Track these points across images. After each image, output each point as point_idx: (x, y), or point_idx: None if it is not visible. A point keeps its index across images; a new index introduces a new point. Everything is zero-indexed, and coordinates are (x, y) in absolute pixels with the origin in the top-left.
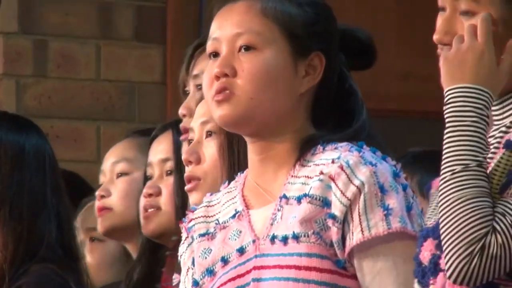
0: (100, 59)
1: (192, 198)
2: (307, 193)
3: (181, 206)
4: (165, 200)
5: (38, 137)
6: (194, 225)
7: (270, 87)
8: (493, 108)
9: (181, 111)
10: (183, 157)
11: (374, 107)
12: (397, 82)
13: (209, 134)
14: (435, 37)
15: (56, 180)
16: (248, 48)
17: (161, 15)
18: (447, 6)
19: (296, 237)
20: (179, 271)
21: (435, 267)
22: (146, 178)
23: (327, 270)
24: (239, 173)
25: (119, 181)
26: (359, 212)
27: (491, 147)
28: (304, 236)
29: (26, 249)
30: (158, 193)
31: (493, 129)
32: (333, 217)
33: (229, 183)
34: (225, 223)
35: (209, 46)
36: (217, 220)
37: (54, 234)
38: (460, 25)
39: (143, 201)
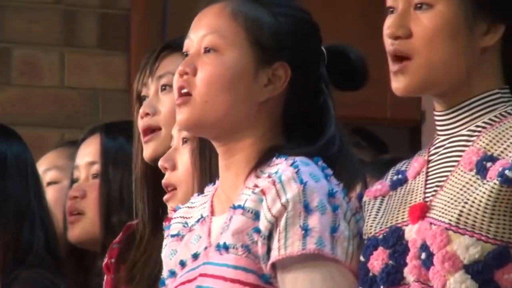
0: (64, 66)
1: (170, 207)
2: (242, 204)
3: (106, 211)
4: (90, 204)
5: (19, 144)
6: (171, 224)
7: (226, 92)
8: (440, 116)
9: (144, 110)
10: (160, 163)
11: (338, 113)
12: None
13: (184, 140)
14: (388, 31)
15: (38, 187)
16: (210, 49)
17: (125, 23)
18: (400, 3)
19: (226, 248)
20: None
21: (387, 277)
22: (73, 181)
23: (250, 284)
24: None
25: (48, 189)
26: (279, 230)
27: (443, 156)
28: (233, 248)
29: (15, 256)
30: (83, 195)
31: (440, 139)
32: (258, 231)
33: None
34: (192, 226)
35: (184, 45)
36: (187, 222)
37: (42, 240)
38: (413, 19)
39: (68, 203)
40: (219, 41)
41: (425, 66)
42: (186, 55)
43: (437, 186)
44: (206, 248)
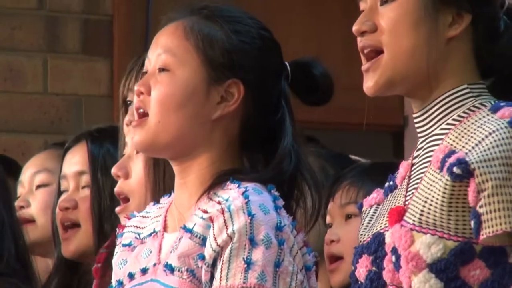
0: (47, 72)
1: (122, 218)
2: (191, 228)
3: (99, 221)
4: (83, 215)
5: None
6: (124, 233)
7: (177, 111)
8: (416, 118)
9: (130, 117)
10: (113, 171)
11: (320, 119)
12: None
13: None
14: (354, 27)
15: (6, 195)
16: (163, 69)
17: (108, 28)
18: (368, 2)
19: (172, 270)
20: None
21: (371, 284)
22: (60, 192)
23: None
24: (171, 191)
25: (38, 192)
26: (223, 260)
27: (421, 158)
28: (178, 271)
29: None
30: (75, 206)
31: (420, 141)
32: (202, 258)
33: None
34: (144, 238)
35: (145, 64)
36: (139, 234)
37: (12, 250)
38: (379, 14)
39: (59, 214)
40: (171, 61)
41: (391, 58)
42: (145, 73)
43: (414, 188)
44: (155, 264)
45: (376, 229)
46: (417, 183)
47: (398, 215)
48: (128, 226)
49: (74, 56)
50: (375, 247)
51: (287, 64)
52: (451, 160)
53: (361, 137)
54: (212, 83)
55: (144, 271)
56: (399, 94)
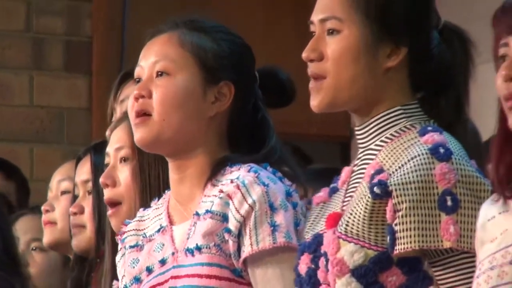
0: (33, 87)
1: (112, 222)
2: (209, 209)
3: (99, 223)
4: (87, 218)
5: None
6: (126, 237)
7: (179, 109)
8: (357, 131)
9: (109, 131)
10: (101, 180)
11: (277, 131)
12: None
13: (124, 159)
14: (303, 54)
15: None
16: (162, 73)
17: (87, 49)
18: (317, 27)
19: (199, 249)
20: (116, 277)
21: (309, 280)
22: (75, 197)
23: (225, 278)
24: (166, 191)
25: (62, 198)
26: (250, 228)
27: (358, 168)
28: (206, 247)
29: None
30: (82, 211)
31: (360, 151)
32: (229, 231)
33: (144, 206)
34: (151, 236)
35: (135, 73)
36: (145, 233)
37: (0, 244)
38: (326, 43)
39: (71, 218)
40: (170, 65)
41: (334, 85)
42: (138, 81)
43: (350, 196)
44: (173, 253)
45: (317, 230)
46: (353, 192)
47: (334, 220)
48: (128, 231)
49: (57, 73)
50: (315, 247)
51: (256, 72)
52: (376, 179)
53: (313, 147)
54: (207, 85)
55: (163, 262)
56: (345, 110)
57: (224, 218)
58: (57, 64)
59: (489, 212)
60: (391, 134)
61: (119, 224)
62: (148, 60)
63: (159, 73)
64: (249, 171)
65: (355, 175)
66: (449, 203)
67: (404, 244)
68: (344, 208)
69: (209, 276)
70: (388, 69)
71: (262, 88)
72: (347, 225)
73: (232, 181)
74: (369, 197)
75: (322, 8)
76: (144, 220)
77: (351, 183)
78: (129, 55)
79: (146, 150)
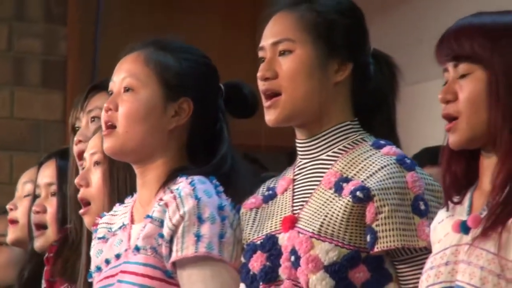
0: (14, 101)
1: (86, 220)
2: (150, 215)
3: (62, 220)
4: (50, 218)
5: None
6: (98, 229)
7: (141, 123)
8: (302, 144)
9: (77, 138)
10: (76, 181)
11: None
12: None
13: (97, 163)
14: (259, 74)
15: None
16: (128, 89)
17: (62, 67)
18: (268, 51)
19: (138, 249)
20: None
21: (265, 276)
22: (35, 196)
23: (157, 278)
24: (133, 193)
25: (25, 199)
26: (178, 236)
27: (307, 176)
28: (143, 249)
29: None
30: (44, 210)
31: (303, 162)
32: (162, 236)
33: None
34: (115, 231)
35: (109, 86)
36: (111, 228)
37: None
38: (279, 64)
39: (32, 216)
40: (135, 83)
41: (290, 101)
42: (111, 94)
43: (303, 201)
44: (126, 250)
45: (267, 231)
46: (305, 197)
47: (291, 222)
48: (101, 223)
49: (35, 89)
50: (269, 246)
51: (222, 86)
52: (351, 186)
53: (265, 156)
54: (168, 101)
55: (117, 256)
56: (293, 126)
57: (161, 223)
58: (35, 81)
59: (440, 216)
60: (344, 146)
61: (91, 222)
62: (119, 76)
63: (126, 88)
64: (189, 183)
65: (301, 182)
66: (422, 207)
67: (386, 242)
68: (296, 211)
69: (143, 275)
70: (337, 83)
71: (227, 100)
72: (321, 225)
73: (172, 191)
74: (348, 201)
75: (273, 33)
76: (115, 215)
77: (297, 189)
78: (100, 73)
79: (113, 158)
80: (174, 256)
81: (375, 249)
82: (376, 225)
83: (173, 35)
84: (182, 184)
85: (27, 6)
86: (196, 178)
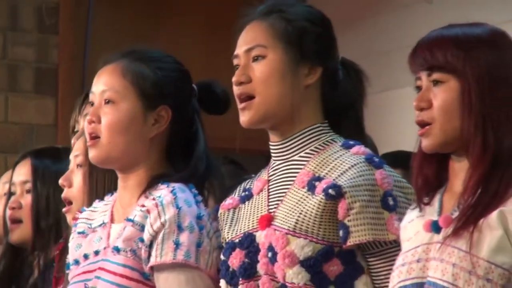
0: (8, 106)
1: (68, 217)
2: (132, 218)
3: (37, 220)
4: (25, 213)
5: None
6: (78, 223)
7: (123, 133)
8: (275, 146)
9: (73, 141)
10: (60, 181)
11: (215, 145)
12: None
13: (79, 166)
14: (234, 79)
15: None
16: (109, 101)
17: (54, 74)
18: (242, 58)
19: (118, 250)
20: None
21: (244, 272)
22: (11, 193)
23: (134, 279)
24: (113, 192)
25: (4, 198)
26: (158, 242)
27: (281, 177)
28: (123, 251)
29: None
30: (20, 206)
31: (277, 163)
32: (142, 240)
33: (89, 205)
34: (95, 228)
35: (90, 97)
36: (91, 224)
37: None
38: (252, 69)
39: (8, 212)
40: (114, 95)
41: (263, 103)
42: (92, 104)
43: (278, 200)
44: (105, 248)
45: (245, 229)
46: (280, 197)
47: (267, 220)
48: (81, 218)
49: (28, 94)
50: (248, 244)
51: (195, 86)
52: (323, 184)
53: (244, 159)
54: (147, 110)
55: (96, 252)
56: (266, 127)
57: (142, 228)
58: (28, 87)
59: (410, 215)
60: (316, 147)
61: (71, 220)
62: (98, 88)
63: (106, 101)
64: (170, 192)
65: (276, 183)
66: (390, 202)
67: (358, 236)
68: (272, 210)
69: (121, 275)
70: (307, 87)
71: (201, 99)
72: (296, 223)
73: (154, 199)
74: (321, 198)
75: (246, 41)
76: (95, 211)
77: (272, 189)
78: (89, 80)
79: (98, 165)
80: (153, 261)
81: (348, 243)
82: (348, 221)
83: (153, 45)
84: (164, 192)
85: (21, 16)
86: (177, 186)
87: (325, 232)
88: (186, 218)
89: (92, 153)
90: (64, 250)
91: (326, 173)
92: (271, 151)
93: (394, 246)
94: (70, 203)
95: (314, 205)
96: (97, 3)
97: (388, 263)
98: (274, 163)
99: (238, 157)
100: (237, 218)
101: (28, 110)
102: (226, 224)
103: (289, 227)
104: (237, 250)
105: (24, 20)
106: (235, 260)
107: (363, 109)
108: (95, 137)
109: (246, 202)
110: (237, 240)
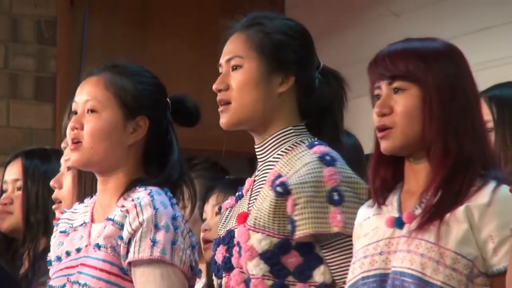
0: (10, 112)
1: (57, 215)
2: (112, 218)
3: (27, 213)
4: (16, 208)
5: None
6: (60, 223)
7: (104, 140)
8: (257, 148)
9: (63, 145)
10: (51, 183)
11: (200, 148)
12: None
13: (68, 168)
14: (214, 87)
15: None
16: (92, 110)
17: (52, 83)
18: (224, 67)
19: (99, 247)
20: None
21: (225, 265)
22: (2, 191)
23: (114, 274)
24: (93, 195)
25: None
26: (136, 239)
27: (260, 177)
28: (104, 247)
29: None
30: (11, 202)
31: (260, 164)
32: (121, 238)
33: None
34: (76, 227)
35: (72, 106)
36: (72, 224)
37: None
38: (230, 77)
39: (0, 207)
40: (97, 105)
41: (238, 108)
42: (75, 113)
43: (255, 198)
44: (86, 245)
45: (229, 227)
46: (256, 195)
47: (243, 218)
48: (62, 218)
49: (29, 101)
50: (228, 240)
51: (168, 100)
52: (278, 182)
53: (227, 161)
54: (127, 120)
55: (78, 250)
56: (246, 129)
57: (121, 227)
58: (29, 94)
59: (366, 213)
60: (286, 149)
61: (59, 216)
62: (81, 98)
63: (89, 110)
64: (148, 194)
65: (257, 183)
66: (336, 197)
67: (302, 230)
68: (250, 208)
69: (101, 270)
70: (281, 94)
71: (173, 112)
72: (255, 219)
73: (133, 200)
74: (273, 195)
75: (227, 52)
76: (76, 213)
77: (254, 189)
78: None
79: (80, 169)
80: (131, 257)
81: (295, 237)
82: (295, 215)
83: (142, 58)
84: (142, 194)
85: (21, 29)
86: (154, 189)
87: (280, 227)
88: (163, 218)
89: (74, 157)
90: None
91: (287, 172)
92: (256, 153)
93: (340, 238)
94: (60, 202)
95: (268, 203)
96: (91, 18)
97: (340, 254)
98: (258, 164)
99: (225, 159)
100: (230, 216)
101: (28, 115)
102: (220, 222)
103: (250, 223)
104: (221, 245)
105: (24, 33)
106: (219, 255)
107: (342, 112)
108: (77, 142)
109: (239, 201)
110: (222, 237)
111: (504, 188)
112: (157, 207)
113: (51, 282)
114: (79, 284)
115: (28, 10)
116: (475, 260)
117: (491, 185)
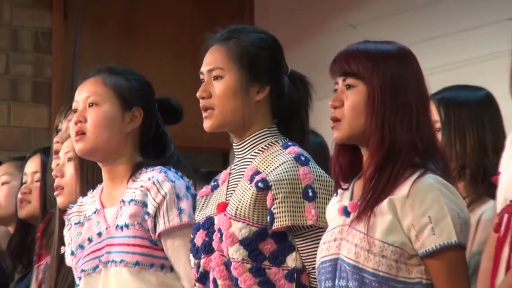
0: (10, 113)
1: (58, 200)
2: (133, 198)
3: (44, 202)
4: (34, 197)
5: None
6: (71, 217)
7: (106, 129)
8: (235, 147)
9: (56, 139)
10: (53, 173)
11: (178, 144)
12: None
13: (69, 159)
14: (198, 94)
15: None
16: (93, 104)
17: (49, 87)
18: (205, 76)
19: (127, 226)
20: (63, 244)
21: (205, 248)
22: (22, 183)
23: (145, 246)
24: (98, 184)
25: (3, 187)
26: (163, 211)
27: (237, 171)
28: (132, 225)
29: None
30: (30, 192)
31: (237, 160)
32: (148, 214)
33: (84, 194)
34: (89, 216)
35: (73, 106)
36: (85, 214)
37: None
38: (212, 86)
39: (19, 196)
40: (97, 99)
41: (220, 114)
42: (75, 111)
43: (232, 190)
44: (107, 228)
45: (208, 214)
46: (234, 187)
47: (223, 207)
48: (72, 213)
49: (27, 103)
50: (208, 225)
51: (155, 100)
52: (258, 178)
53: (202, 156)
54: (124, 110)
55: (99, 234)
56: (227, 131)
57: (144, 204)
58: (27, 97)
59: (333, 201)
60: (262, 148)
61: (62, 202)
62: (82, 96)
63: (91, 104)
64: (160, 171)
65: (233, 176)
66: (310, 194)
67: (280, 222)
68: (228, 198)
69: (134, 245)
70: (257, 102)
71: (159, 111)
72: (236, 209)
73: (149, 179)
74: (254, 190)
75: (208, 62)
76: (83, 205)
77: (231, 182)
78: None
79: (84, 157)
80: (162, 227)
81: (273, 227)
82: (273, 208)
83: (128, 65)
84: (155, 173)
85: (21, 39)
86: (163, 168)
87: (259, 217)
88: (181, 189)
89: (78, 146)
90: (46, 231)
91: (264, 169)
92: (234, 149)
93: (312, 230)
94: (61, 189)
95: (249, 195)
96: (83, 30)
97: (310, 243)
98: (235, 159)
99: (204, 154)
100: (206, 204)
101: (27, 116)
102: (197, 208)
103: (232, 213)
104: (201, 230)
105: (23, 43)
106: (199, 238)
107: (308, 114)
108: (82, 133)
109: (214, 191)
110: (201, 222)
111: (428, 177)
112: (173, 180)
113: (82, 267)
114: (115, 262)
115: (27, 22)
116: (402, 245)
117: (415, 175)
